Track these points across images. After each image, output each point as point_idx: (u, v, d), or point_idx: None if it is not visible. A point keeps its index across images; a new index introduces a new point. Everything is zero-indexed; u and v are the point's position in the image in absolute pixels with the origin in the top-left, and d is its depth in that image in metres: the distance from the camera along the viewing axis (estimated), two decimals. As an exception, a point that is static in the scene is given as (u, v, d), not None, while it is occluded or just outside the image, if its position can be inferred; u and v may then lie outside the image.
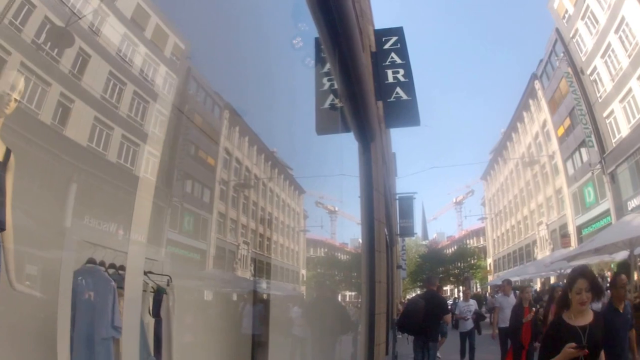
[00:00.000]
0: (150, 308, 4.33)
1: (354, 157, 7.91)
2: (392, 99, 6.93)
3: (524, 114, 60.90)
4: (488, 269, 75.47)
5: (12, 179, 2.96)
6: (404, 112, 6.92)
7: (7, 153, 2.95)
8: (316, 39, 6.64)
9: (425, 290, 13.29)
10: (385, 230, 11.66)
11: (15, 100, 2.97)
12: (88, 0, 4.94)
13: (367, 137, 7.10)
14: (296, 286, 14.51)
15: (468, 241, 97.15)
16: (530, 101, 57.84)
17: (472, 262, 72.12)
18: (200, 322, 6.14)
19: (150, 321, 4.21)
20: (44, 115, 4.48)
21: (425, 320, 9.83)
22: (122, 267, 4.16)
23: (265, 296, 8.24)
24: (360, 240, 9.04)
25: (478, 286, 60.72)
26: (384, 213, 8.62)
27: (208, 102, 11.38)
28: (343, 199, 13.53)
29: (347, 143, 7.85)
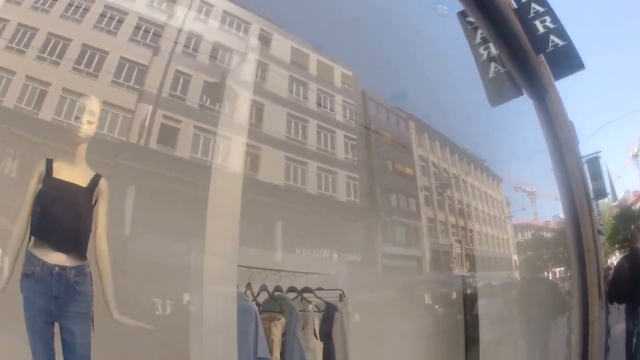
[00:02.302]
0: (316, 330, 3.73)
1: (536, 127, 7.27)
2: (549, 49, 6.34)
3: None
4: (679, 219, 64.97)
5: (106, 205, 2.85)
6: (564, 59, 6.29)
7: (96, 179, 2.84)
8: (459, 13, 6.42)
9: (629, 251, 11.52)
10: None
11: (89, 122, 2.81)
12: (245, 57, 5.20)
13: (540, 90, 6.51)
14: (510, 273, 13.73)
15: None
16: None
17: (663, 214, 63.11)
18: (417, 328, 5.93)
19: (318, 346, 3.68)
20: (232, 166, 4.71)
21: (631, 283, 8.52)
22: (307, 290, 3.86)
23: (483, 289, 7.87)
24: (562, 215, 8.24)
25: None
26: (578, 172, 7.71)
27: (391, 118, 11.43)
28: (537, 178, 12.70)
29: (523, 111, 7.30)
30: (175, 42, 4.53)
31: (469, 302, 6.79)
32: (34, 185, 2.72)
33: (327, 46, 7.84)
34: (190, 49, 4.82)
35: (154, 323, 3.23)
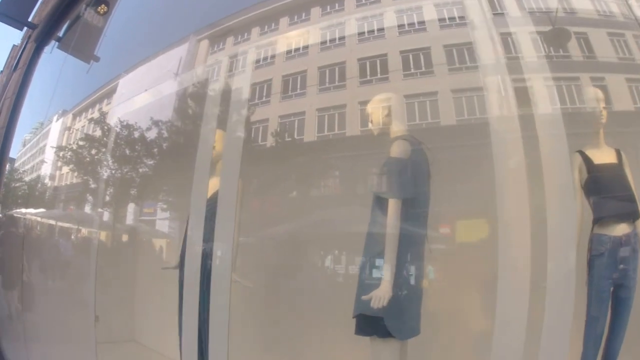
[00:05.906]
0: None
1: None
2: None
3: None
4: None
5: (630, 172, 3.03)
6: None
7: (618, 153, 3.06)
8: None
9: None
10: None
11: (604, 108, 3.12)
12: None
13: None
14: None
15: None
16: None
17: None
18: None
19: None
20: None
21: None
22: None
23: None
24: None
25: None
26: None
27: None
28: None
29: None
30: (482, 9, 4.17)
31: None
32: (576, 176, 3.04)
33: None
34: (499, 9, 4.37)
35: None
